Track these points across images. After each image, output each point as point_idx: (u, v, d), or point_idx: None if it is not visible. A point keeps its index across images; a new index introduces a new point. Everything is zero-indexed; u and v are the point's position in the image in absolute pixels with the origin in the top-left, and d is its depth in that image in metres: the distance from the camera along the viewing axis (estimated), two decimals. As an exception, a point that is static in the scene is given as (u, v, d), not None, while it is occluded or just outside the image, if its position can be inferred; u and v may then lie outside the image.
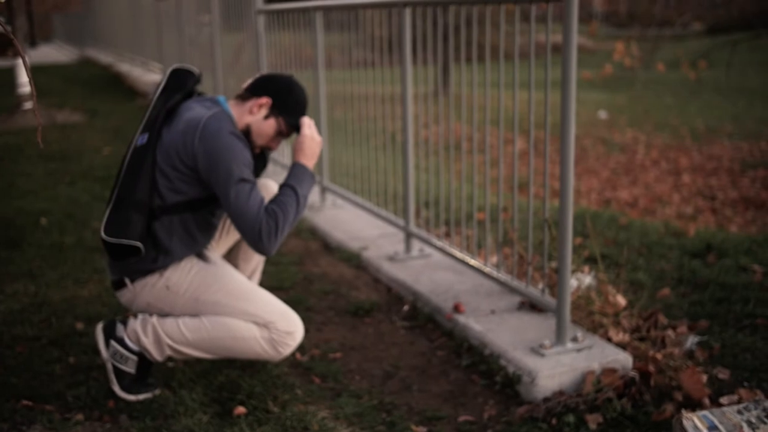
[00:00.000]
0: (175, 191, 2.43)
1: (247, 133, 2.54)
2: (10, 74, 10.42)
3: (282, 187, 2.48)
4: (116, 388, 2.54)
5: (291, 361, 2.85)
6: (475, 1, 2.97)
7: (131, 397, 2.55)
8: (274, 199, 2.42)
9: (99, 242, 4.23)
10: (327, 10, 4.43)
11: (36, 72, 13.47)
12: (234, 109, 2.55)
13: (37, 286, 3.63)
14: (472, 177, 3.21)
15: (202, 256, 2.60)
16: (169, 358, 2.64)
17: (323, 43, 4.56)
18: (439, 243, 3.46)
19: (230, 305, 2.50)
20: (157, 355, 2.54)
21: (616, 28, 27.41)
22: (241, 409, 2.48)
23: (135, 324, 2.54)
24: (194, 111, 2.45)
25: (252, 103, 2.54)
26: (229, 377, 2.68)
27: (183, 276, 2.51)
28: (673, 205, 8.28)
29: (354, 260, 3.88)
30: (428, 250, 3.73)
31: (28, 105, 9.16)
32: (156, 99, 2.50)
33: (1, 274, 3.80)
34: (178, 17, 8.47)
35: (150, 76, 11.59)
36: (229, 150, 2.37)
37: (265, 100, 2.54)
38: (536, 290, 2.88)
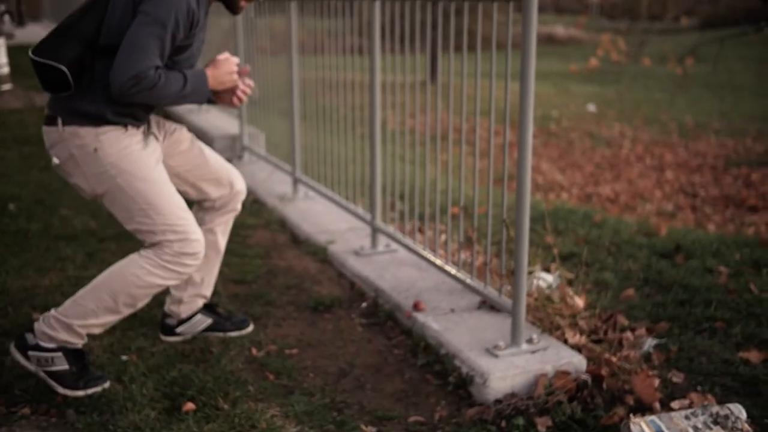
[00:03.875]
0: (122, 34, 2.28)
1: None
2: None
3: (178, 72, 2.35)
4: (61, 390, 2.49)
5: (246, 356, 2.82)
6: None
7: (80, 393, 2.50)
8: (167, 72, 2.31)
9: (66, 230, 4.20)
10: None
11: (20, 52, 13.26)
12: None
13: (-3, 273, 3.59)
14: (436, 173, 3.18)
15: (147, 141, 2.47)
16: (91, 338, 2.59)
17: (297, 29, 4.50)
18: (403, 239, 3.43)
19: (134, 204, 2.41)
20: (75, 340, 2.51)
21: (610, 20, 27.37)
22: (190, 405, 2.45)
23: (40, 326, 2.49)
24: None
25: None
26: (182, 372, 2.66)
27: (115, 148, 2.38)
28: (654, 202, 8.29)
29: (320, 254, 3.85)
30: (394, 245, 3.70)
31: (6, 86, 9.03)
32: None
33: (-37, 261, 3.75)
34: None
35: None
36: None
37: None
38: (494, 290, 2.86)
